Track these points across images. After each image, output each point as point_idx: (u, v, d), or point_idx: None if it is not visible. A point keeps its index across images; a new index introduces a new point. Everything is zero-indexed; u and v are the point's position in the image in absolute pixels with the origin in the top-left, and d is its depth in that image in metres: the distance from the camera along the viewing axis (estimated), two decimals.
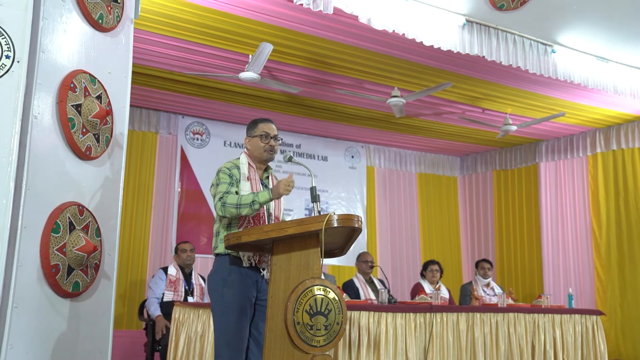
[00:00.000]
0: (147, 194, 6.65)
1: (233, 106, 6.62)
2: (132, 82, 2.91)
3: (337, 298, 2.54)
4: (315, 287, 2.50)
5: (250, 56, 5.00)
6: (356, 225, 2.58)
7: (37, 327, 2.20)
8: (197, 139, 7.05)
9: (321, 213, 2.60)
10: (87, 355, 2.48)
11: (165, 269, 5.28)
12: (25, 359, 2.13)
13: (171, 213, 6.75)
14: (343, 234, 2.71)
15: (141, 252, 6.47)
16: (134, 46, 2.94)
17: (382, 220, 8.23)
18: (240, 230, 2.79)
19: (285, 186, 2.74)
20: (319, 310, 2.48)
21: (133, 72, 2.94)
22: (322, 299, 2.50)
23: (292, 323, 2.42)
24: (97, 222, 2.50)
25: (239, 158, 3.00)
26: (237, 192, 2.85)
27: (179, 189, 6.86)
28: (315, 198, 2.72)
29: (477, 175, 8.90)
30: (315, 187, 2.76)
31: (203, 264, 6.55)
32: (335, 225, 2.49)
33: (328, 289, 2.53)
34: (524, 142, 8.21)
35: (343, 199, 7.95)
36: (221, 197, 2.79)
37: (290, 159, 2.95)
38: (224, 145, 7.21)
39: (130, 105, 2.85)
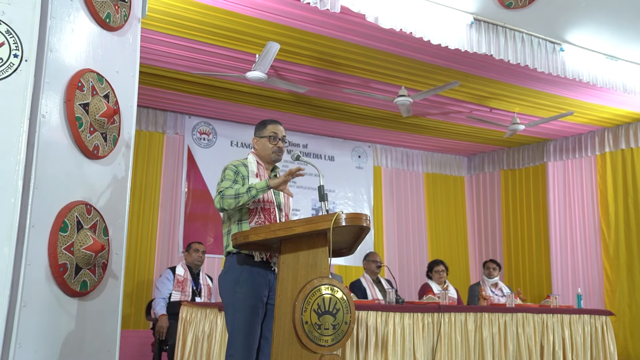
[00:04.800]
0: (154, 194, 6.66)
1: (240, 106, 6.62)
2: (139, 82, 2.91)
3: (345, 297, 2.53)
4: (323, 287, 2.48)
5: (257, 55, 5.00)
6: (364, 224, 2.57)
7: (45, 326, 2.20)
8: (204, 139, 7.05)
9: (329, 212, 2.59)
10: (95, 355, 2.47)
11: (173, 269, 5.28)
12: (34, 357, 2.13)
13: (178, 213, 6.75)
14: (351, 233, 2.69)
15: (148, 252, 6.48)
16: (140, 46, 2.94)
17: (389, 220, 8.20)
18: (251, 226, 2.81)
19: (286, 176, 2.73)
20: (327, 309, 2.47)
21: (140, 72, 2.94)
22: (330, 299, 2.49)
23: (300, 322, 2.40)
24: (104, 221, 2.50)
25: (246, 158, 3.03)
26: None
27: (186, 189, 6.86)
28: (323, 197, 2.70)
29: (484, 175, 8.86)
30: (323, 185, 2.74)
31: (210, 264, 6.56)
32: (344, 224, 2.48)
33: (336, 289, 2.51)
34: (532, 142, 8.17)
35: (350, 199, 7.93)
36: (221, 191, 2.82)
37: (297, 158, 2.94)
38: (231, 145, 7.21)
39: (137, 105, 2.85)
